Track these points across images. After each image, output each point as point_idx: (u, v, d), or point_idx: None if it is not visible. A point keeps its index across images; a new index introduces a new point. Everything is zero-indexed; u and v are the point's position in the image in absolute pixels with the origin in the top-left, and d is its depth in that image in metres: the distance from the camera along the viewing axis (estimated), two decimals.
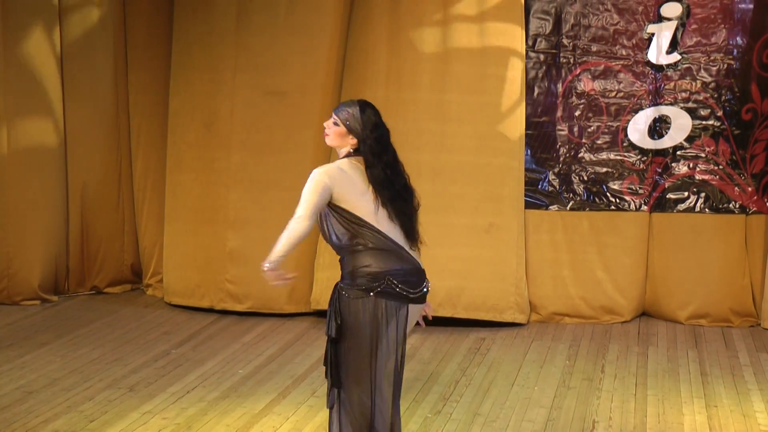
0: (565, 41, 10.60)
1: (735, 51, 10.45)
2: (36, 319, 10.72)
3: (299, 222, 5.64)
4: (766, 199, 10.53)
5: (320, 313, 10.58)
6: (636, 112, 10.58)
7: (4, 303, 11.24)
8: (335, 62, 10.67)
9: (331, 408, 5.94)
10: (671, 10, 10.46)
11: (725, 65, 10.44)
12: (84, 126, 11.62)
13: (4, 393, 8.22)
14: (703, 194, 10.55)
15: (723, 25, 10.44)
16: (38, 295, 11.33)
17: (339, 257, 5.88)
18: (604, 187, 10.64)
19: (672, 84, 10.53)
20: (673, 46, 10.48)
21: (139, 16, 11.72)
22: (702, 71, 10.47)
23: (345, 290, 5.77)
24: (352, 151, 5.97)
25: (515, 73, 10.47)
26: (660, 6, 10.47)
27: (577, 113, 10.63)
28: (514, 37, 10.46)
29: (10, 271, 11.25)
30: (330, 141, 6.07)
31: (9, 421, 7.53)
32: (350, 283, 5.76)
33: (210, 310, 10.93)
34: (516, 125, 10.50)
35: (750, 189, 10.48)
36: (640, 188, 10.62)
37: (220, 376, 8.77)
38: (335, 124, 6.03)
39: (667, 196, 10.61)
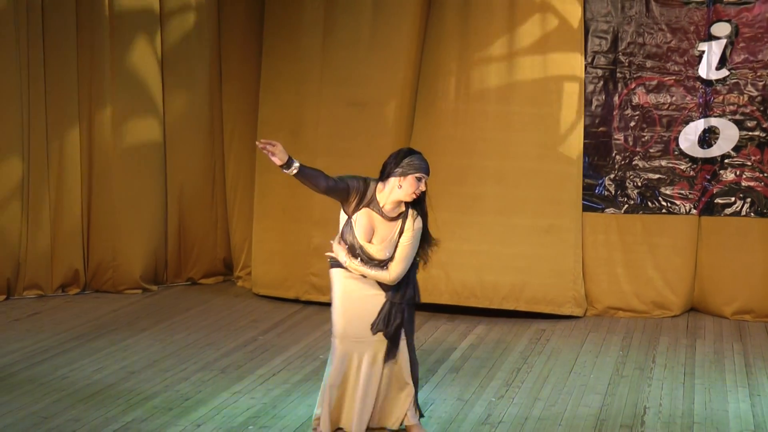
0: (621, 58, 10.57)
1: None
2: (137, 306, 10.85)
3: (386, 279, 6.64)
4: None
5: None
6: (687, 123, 10.53)
7: (109, 291, 11.41)
8: (411, 76, 10.71)
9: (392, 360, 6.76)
10: (721, 29, 10.40)
11: None
12: (182, 131, 11.73)
13: (109, 372, 8.35)
14: (748, 199, 10.50)
15: None
16: (140, 284, 11.47)
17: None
18: (657, 192, 10.61)
19: (721, 98, 10.46)
20: (722, 62, 10.43)
21: (232, 30, 11.76)
22: (749, 86, 10.41)
23: None
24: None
25: (575, 87, 10.48)
26: (710, 25, 10.41)
27: (631, 124, 10.61)
28: (574, 54, 10.48)
29: (115, 263, 11.41)
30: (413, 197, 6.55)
31: (114, 398, 7.68)
32: None
33: (295, 301, 10.97)
34: (575, 135, 10.51)
35: None
36: (690, 193, 10.58)
37: (303, 360, 8.83)
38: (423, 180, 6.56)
39: (715, 201, 10.56)
